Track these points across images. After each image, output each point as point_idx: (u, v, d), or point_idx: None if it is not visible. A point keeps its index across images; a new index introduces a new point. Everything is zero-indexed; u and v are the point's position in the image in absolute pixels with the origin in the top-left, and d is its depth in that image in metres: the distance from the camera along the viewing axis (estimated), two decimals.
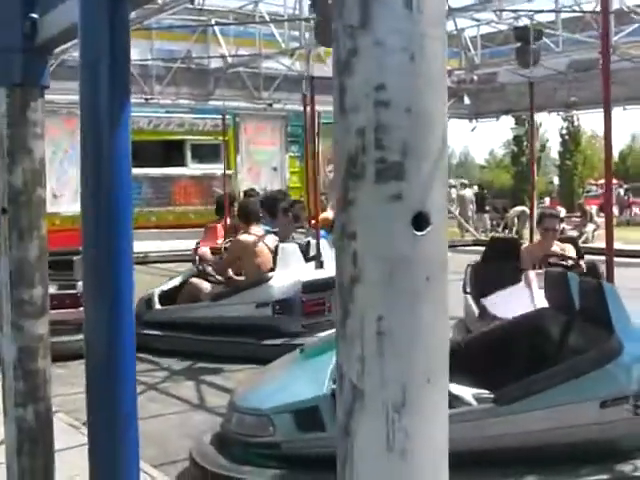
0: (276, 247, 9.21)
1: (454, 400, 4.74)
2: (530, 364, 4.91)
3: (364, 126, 1.34)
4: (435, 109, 1.37)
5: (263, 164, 21.32)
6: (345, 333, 1.41)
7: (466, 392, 4.84)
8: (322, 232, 11.86)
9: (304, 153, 23.11)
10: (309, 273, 9.19)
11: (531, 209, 11.06)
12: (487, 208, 33.15)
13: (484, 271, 8.18)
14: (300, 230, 10.58)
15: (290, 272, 9.02)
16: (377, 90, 1.34)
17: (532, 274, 6.80)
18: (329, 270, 9.08)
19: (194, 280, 10.02)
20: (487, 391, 4.79)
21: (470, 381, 4.93)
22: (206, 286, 9.70)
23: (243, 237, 9.64)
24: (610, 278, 5.04)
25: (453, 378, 4.69)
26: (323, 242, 9.76)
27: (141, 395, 6.76)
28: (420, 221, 1.35)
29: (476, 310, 7.40)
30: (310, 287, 9.00)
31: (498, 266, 7.90)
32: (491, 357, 5.35)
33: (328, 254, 9.48)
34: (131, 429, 2.26)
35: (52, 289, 8.08)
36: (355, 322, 1.39)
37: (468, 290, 8.13)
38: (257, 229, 9.66)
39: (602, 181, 56.72)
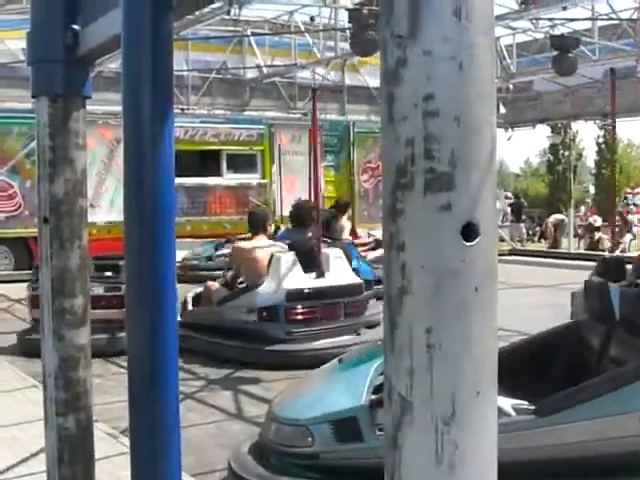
0: (271, 256, 9.48)
1: None
2: (570, 375, 4.86)
3: (413, 136, 1.33)
4: (484, 119, 1.36)
5: (298, 174, 21.34)
6: (393, 345, 1.40)
7: (505, 403, 4.80)
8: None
9: (339, 162, 23.26)
10: (300, 282, 9.37)
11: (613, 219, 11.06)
12: (523, 217, 33.01)
13: None
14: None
15: (282, 280, 9.26)
16: (426, 100, 1.33)
17: None
18: (330, 280, 9.45)
19: (208, 283, 10.44)
20: (526, 402, 4.74)
21: (509, 391, 4.89)
22: (215, 289, 10.02)
23: (240, 244, 10.34)
24: None
25: None
26: (336, 252, 9.86)
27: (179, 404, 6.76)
28: (469, 231, 1.33)
29: None
30: (294, 296, 9.22)
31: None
32: (531, 368, 5.31)
33: (338, 264, 9.71)
34: (173, 439, 2.26)
35: (99, 290, 9.21)
36: (404, 334, 1.37)
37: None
38: (261, 238, 10.04)
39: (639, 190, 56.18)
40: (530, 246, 29.98)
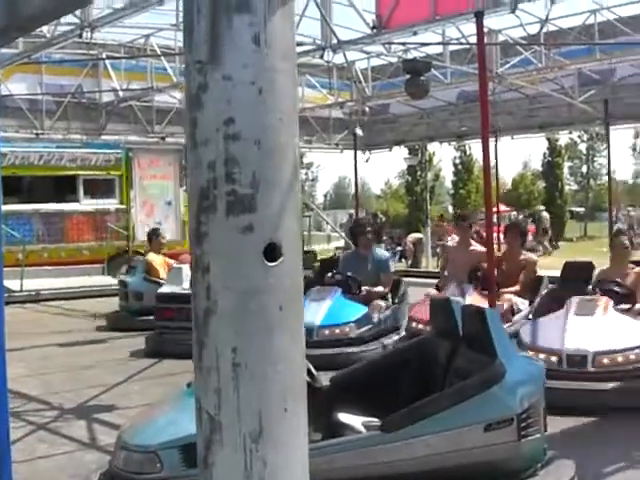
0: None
1: (344, 429, 4.77)
2: (417, 390, 4.96)
3: (214, 159, 1.36)
4: (285, 142, 1.40)
5: (157, 198, 21.14)
6: (201, 366, 1.42)
7: (355, 420, 4.86)
8: None
9: None
10: (173, 289, 11.56)
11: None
12: (384, 238, 33.48)
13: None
14: None
15: (170, 287, 11.76)
16: (227, 124, 1.36)
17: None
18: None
19: None
20: (377, 419, 4.81)
21: (361, 409, 4.96)
22: None
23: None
24: (492, 303, 5.16)
25: (344, 407, 4.67)
26: None
27: (30, 435, 6.61)
28: (272, 252, 1.37)
29: None
30: (160, 298, 11.53)
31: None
32: (381, 385, 5.39)
33: None
34: (4, 471, 2.21)
35: None
36: (210, 354, 1.40)
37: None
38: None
39: (498, 208, 57.37)
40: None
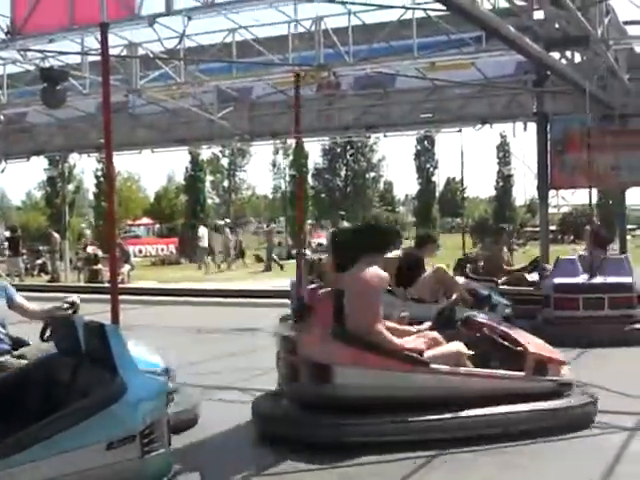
0: None
1: None
2: (40, 413, 4.72)
3: None
4: None
5: None
6: None
7: None
8: None
9: None
10: None
11: None
12: (23, 251, 32.44)
13: None
14: None
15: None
16: None
17: None
18: None
19: None
20: None
21: None
22: None
23: None
24: (115, 319, 5.07)
25: None
26: None
27: None
28: None
29: None
30: None
31: None
32: (3, 408, 5.09)
33: None
34: None
35: None
36: None
37: None
38: None
39: (141, 221, 57.75)
40: (30, 280, 29.49)
